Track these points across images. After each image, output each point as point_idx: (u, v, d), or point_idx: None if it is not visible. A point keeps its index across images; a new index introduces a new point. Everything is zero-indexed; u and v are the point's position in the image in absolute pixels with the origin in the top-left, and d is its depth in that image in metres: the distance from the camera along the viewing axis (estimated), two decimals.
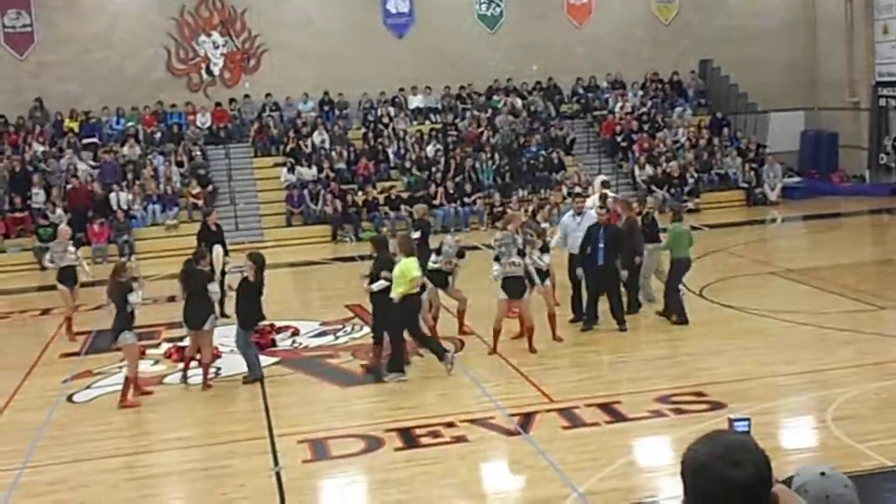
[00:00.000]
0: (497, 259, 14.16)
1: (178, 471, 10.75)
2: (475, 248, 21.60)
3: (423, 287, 14.42)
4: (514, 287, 13.96)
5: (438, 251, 15.21)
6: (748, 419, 7.46)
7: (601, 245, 14.89)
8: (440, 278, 15.09)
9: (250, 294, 13.54)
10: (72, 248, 16.87)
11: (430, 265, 14.89)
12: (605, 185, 19.55)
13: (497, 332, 14.21)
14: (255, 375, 13.56)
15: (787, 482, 3.11)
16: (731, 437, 2.84)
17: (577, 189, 23.74)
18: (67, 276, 16.58)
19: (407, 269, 13.19)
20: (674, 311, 15.24)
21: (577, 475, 9.47)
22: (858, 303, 16.08)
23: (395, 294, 13.01)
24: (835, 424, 10.44)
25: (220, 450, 11.06)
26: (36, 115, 29.32)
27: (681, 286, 15.92)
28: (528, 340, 14.22)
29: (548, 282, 14.93)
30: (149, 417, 12.73)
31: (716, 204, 28.76)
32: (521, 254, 14.14)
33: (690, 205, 28.20)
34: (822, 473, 3.07)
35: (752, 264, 20.27)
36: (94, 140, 29.00)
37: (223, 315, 15.93)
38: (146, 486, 10.30)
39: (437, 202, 27.50)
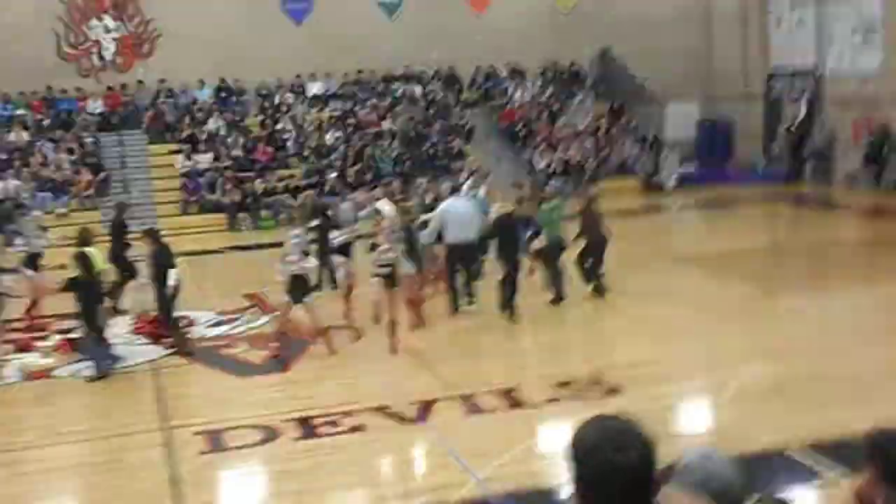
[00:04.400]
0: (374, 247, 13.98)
1: (69, 465, 10.41)
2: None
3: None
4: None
5: (337, 226, 15.24)
6: None
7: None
8: (344, 250, 15.29)
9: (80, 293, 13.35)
10: None
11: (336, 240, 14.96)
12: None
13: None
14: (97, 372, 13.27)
15: (672, 466, 3.12)
16: (616, 421, 2.86)
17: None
18: None
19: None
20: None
21: (477, 461, 9.44)
22: (752, 288, 16.40)
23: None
24: (728, 407, 10.60)
25: (112, 443, 10.77)
26: None
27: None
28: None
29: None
30: (38, 412, 12.35)
31: (614, 191, 29.07)
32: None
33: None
34: (707, 455, 3.10)
35: (649, 251, 20.54)
36: None
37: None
38: (38, 482, 9.98)
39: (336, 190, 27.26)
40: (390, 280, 13.59)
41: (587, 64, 33.43)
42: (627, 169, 30.10)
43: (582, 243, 15.91)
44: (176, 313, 14.41)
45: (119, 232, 17.18)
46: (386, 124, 30.03)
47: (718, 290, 16.44)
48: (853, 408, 10.20)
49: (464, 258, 15.44)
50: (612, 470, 2.72)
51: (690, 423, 10.76)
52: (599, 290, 15.96)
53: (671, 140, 31.08)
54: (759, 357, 12.48)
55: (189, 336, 14.55)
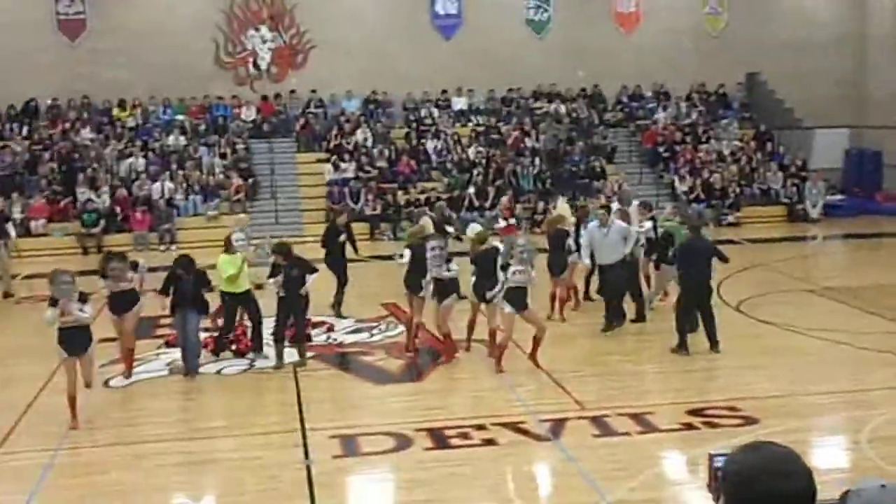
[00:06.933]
0: (504, 268, 13.58)
1: (209, 459, 10.83)
2: None
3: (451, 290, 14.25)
4: (520, 298, 13.43)
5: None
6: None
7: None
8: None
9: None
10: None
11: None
12: (645, 206, 18.36)
13: (504, 348, 13.64)
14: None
15: (844, 497, 3.09)
16: (776, 448, 2.83)
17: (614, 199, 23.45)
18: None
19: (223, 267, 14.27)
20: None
21: (607, 484, 9.46)
22: None
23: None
24: (869, 446, 10.35)
25: (252, 441, 11.15)
26: (85, 103, 29.71)
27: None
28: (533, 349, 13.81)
29: None
30: (183, 406, 12.86)
31: (757, 218, 28.59)
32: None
33: (731, 218, 28.14)
34: (883, 486, 3.07)
35: (791, 281, 20.12)
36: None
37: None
38: (178, 474, 10.40)
39: (475, 205, 27.55)
40: (522, 300, 13.55)
41: (734, 87, 32.94)
42: (771, 196, 29.51)
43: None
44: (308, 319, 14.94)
45: (335, 236, 17.48)
46: (529, 142, 30.15)
47: (862, 324, 15.99)
48: None
49: (607, 280, 15.60)
50: (776, 498, 2.70)
51: (829, 460, 10.52)
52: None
53: (818, 168, 30.35)
54: None
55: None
